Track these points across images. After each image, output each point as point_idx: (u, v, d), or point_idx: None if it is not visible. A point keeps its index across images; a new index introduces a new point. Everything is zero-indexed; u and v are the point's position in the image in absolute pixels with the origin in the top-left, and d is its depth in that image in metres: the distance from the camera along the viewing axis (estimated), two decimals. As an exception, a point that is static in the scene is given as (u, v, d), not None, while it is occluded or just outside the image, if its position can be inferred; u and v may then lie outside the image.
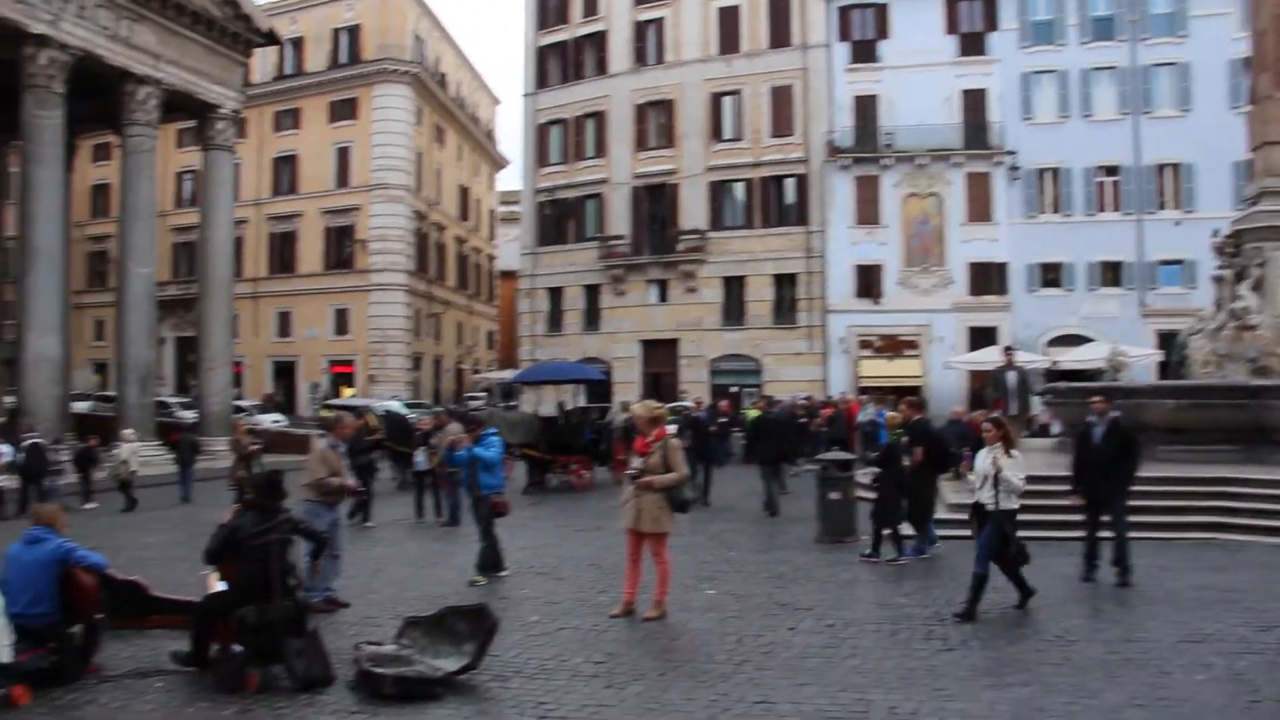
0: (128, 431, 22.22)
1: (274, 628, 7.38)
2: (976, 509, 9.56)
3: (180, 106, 32.66)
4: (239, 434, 21.89)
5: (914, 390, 37.09)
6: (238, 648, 7.47)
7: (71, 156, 33.09)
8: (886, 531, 12.62)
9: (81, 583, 7.65)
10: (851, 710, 6.69)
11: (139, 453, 21.51)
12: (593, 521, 16.88)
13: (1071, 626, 8.93)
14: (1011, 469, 9.34)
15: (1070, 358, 33.75)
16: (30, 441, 20.79)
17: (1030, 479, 9.75)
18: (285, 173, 55.36)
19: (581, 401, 28.50)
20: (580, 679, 7.46)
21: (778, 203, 42.88)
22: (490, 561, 11.51)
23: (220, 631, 7.62)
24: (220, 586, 7.94)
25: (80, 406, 38.12)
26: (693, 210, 43.68)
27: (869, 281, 40.87)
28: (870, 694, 7.03)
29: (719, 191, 43.64)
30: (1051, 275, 39.45)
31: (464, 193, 63.91)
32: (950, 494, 14.74)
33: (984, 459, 9.56)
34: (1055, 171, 39.71)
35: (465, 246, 64.09)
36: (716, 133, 43.83)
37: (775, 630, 8.90)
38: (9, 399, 30.03)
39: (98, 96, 29.95)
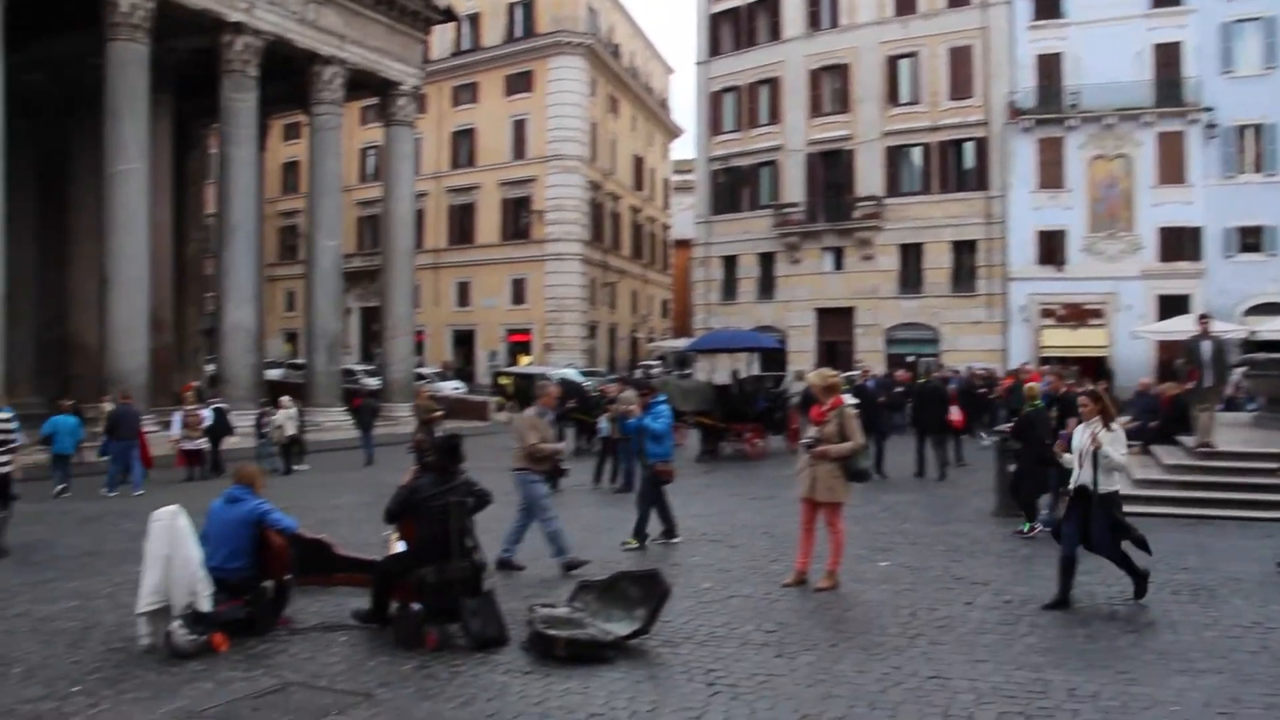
0: (284, 399, 23.34)
1: (451, 588, 7.57)
2: (1079, 493, 8.68)
3: (364, 85, 33.83)
4: (422, 400, 22.73)
5: (1099, 361, 35.73)
6: (417, 606, 7.71)
7: (264, 136, 34.75)
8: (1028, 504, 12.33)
9: (273, 543, 8.07)
10: (1028, 689, 6.46)
11: (295, 418, 22.56)
12: (766, 490, 16.87)
13: (1271, 613, 8.41)
14: (1111, 444, 8.60)
15: (1270, 327, 31.70)
16: (214, 406, 22.12)
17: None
18: (464, 146, 56.72)
19: (756, 370, 28.44)
20: (750, 647, 7.45)
21: (956, 167, 41.61)
22: (653, 527, 11.63)
23: (400, 590, 7.88)
24: (400, 547, 8.27)
25: (273, 374, 40.23)
26: (868, 176, 42.82)
27: (1052, 248, 39.28)
28: (1049, 674, 6.78)
29: (895, 157, 42.61)
30: (1251, 240, 37.02)
31: (638, 162, 64.25)
32: (1138, 469, 14.19)
33: (1082, 435, 8.82)
34: (1257, 128, 37.16)
35: (640, 216, 64.52)
36: (893, 96, 42.72)
37: (950, 604, 8.70)
38: (209, 366, 31.84)
39: (288, 78, 31.34)
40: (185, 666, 6.98)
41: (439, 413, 21.23)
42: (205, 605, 7.37)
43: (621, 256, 60.43)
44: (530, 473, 10.46)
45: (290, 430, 22.18)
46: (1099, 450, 8.48)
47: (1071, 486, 8.76)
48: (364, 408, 24.70)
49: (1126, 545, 8.67)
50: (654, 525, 11.66)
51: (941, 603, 8.79)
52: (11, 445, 12.36)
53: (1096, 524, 8.53)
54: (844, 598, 9.06)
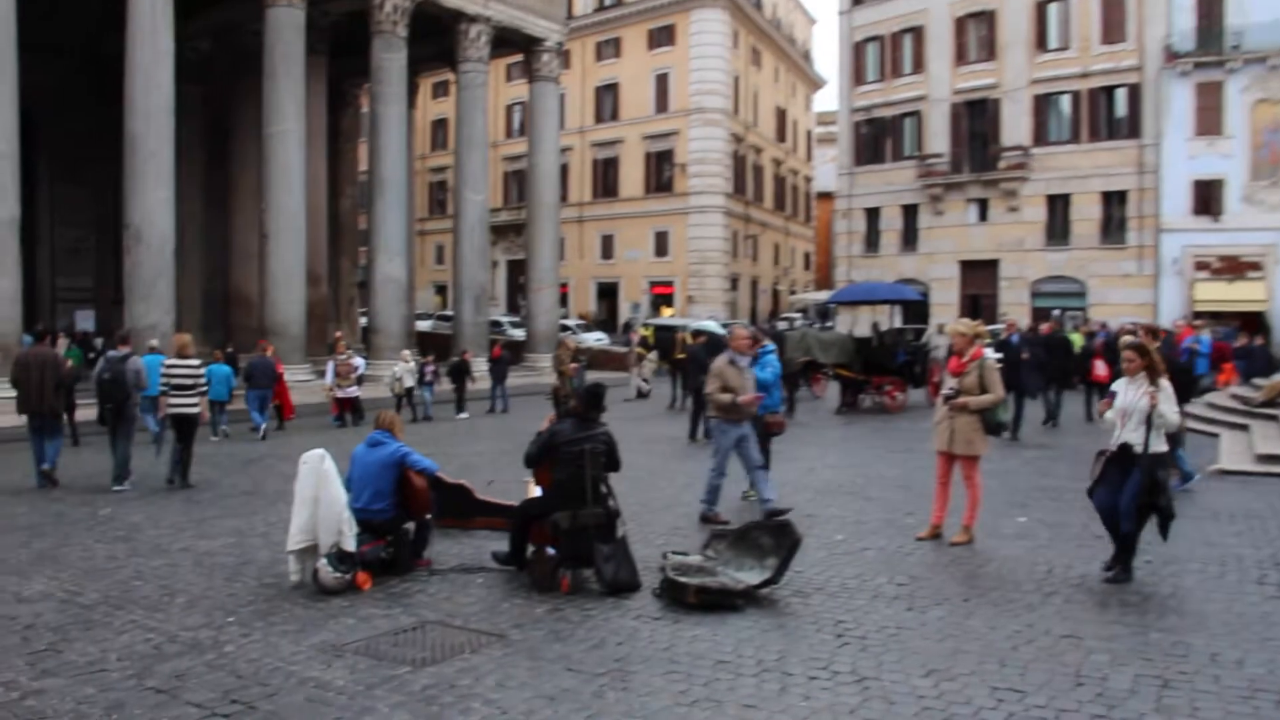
0: (405, 352, 24.29)
1: (585, 533, 7.71)
2: (1122, 452, 7.93)
3: (509, 42, 34.19)
4: (562, 351, 23.23)
5: (1256, 317, 33.96)
6: (552, 550, 7.90)
7: (413, 95, 35.58)
8: None
9: (415, 485, 8.35)
10: (1168, 653, 6.23)
11: (413, 371, 23.38)
12: (904, 443, 16.72)
13: None
14: (1166, 402, 7.83)
15: None
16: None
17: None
18: (607, 100, 56.93)
19: (897, 323, 28.04)
20: (882, 600, 7.42)
21: (1107, 115, 39.86)
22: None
23: (537, 534, 8.09)
24: (537, 492, 8.50)
25: (422, 325, 41.37)
26: (1015, 125, 41.42)
27: (1207, 197, 37.33)
28: (1189, 637, 6.54)
29: (1043, 105, 41.06)
30: None
31: (781, 114, 63.48)
32: (1259, 443, 13.68)
33: (1131, 392, 8.00)
34: None
35: (782, 168, 63.86)
36: (1041, 43, 41.13)
37: (1088, 563, 8.45)
38: (363, 317, 32.93)
39: (435, 38, 31.97)
40: (330, 602, 7.35)
41: (576, 365, 21.83)
42: (350, 545, 7.69)
43: (764, 209, 59.98)
44: (724, 421, 10.27)
45: (409, 382, 22.92)
46: (1155, 408, 7.79)
47: (1113, 445, 8.06)
48: (501, 359, 25.26)
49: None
50: (792, 470, 11.69)
51: (1079, 560, 8.58)
52: (201, 389, 13.41)
53: (1132, 485, 7.82)
54: (978, 553, 8.95)
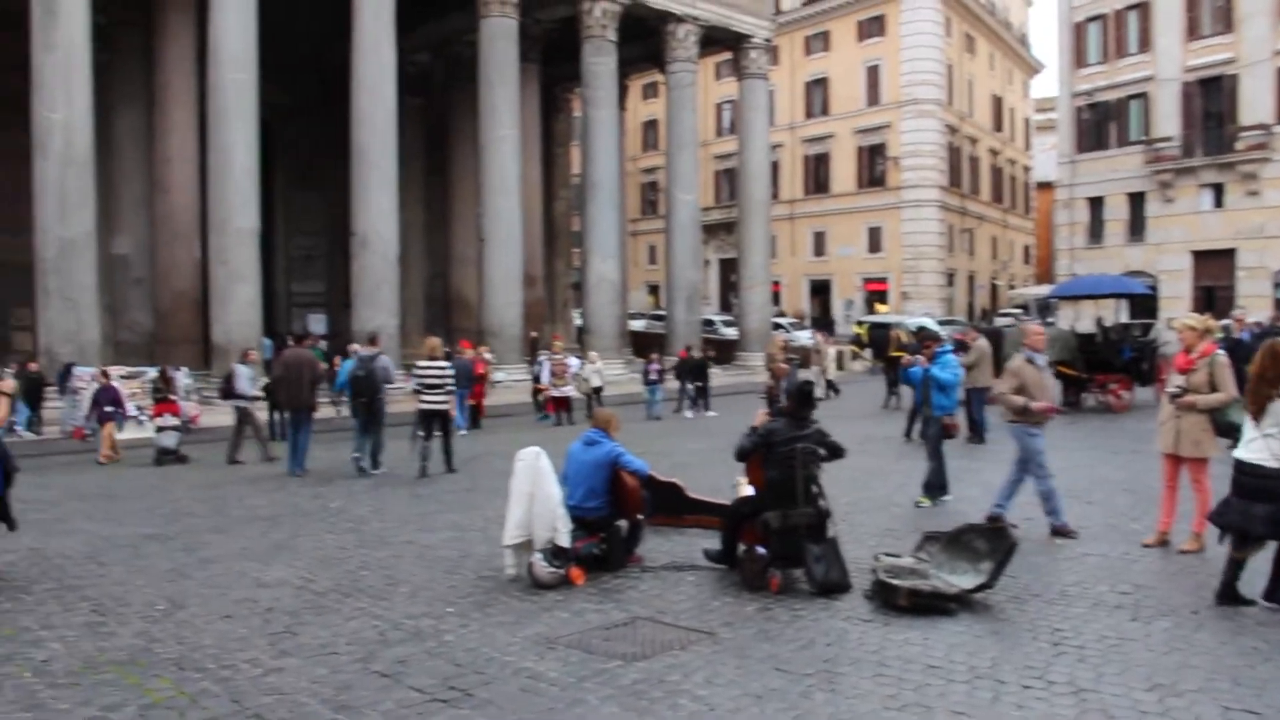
0: (593, 354, 24.46)
1: (796, 533, 7.62)
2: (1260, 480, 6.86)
3: (716, 40, 34.31)
4: (773, 349, 23.10)
5: None
6: (762, 550, 7.83)
7: (623, 97, 36.19)
8: None
9: (627, 484, 8.44)
10: None
11: (602, 371, 23.60)
12: (1130, 444, 15.85)
13: None
14: None
15: None
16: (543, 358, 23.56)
17: None
18: (817, 95, 56.39)
19: (1123, 318, 26.66)
20: (1103, 609, 7.03)
21: (1363, 85, 36.75)
22: (937, 483, 11.08)
23: (748, 533, 8.02)
24: (749, 491, 8.44)
25: (635, 324, 41.93)
26: (1256, 102, 38.43)
27: None
28: None
29: (1290, 78, 38.18)
30: None
31: (996, 102, 61.42)
32: None
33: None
34: None
35: (999, 158, 61.77)
36: (1287, 9, 38.25)
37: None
38: (577, 318, 33.65)
39: (644, 40, 32.42)
40: (545, 596, 7.49)
41: (786, 365, 21.64)
42: (564, 541, 7.82)
43: (980, 201, 58.15)
44: (1024, 425, 9.54)
45: (596, 382, 23.05)
46: None
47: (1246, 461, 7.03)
48: (687, 361, 25.02)
49: None
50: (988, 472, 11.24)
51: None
52: (449, 388, 14.40)
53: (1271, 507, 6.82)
54: (1209, 561, 8.25)
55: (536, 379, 23.38)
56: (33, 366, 20.63)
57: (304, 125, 32.94)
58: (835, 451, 8.02)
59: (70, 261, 21.05)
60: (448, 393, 14.31)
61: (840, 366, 29.09)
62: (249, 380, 16.94)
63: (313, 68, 31.70)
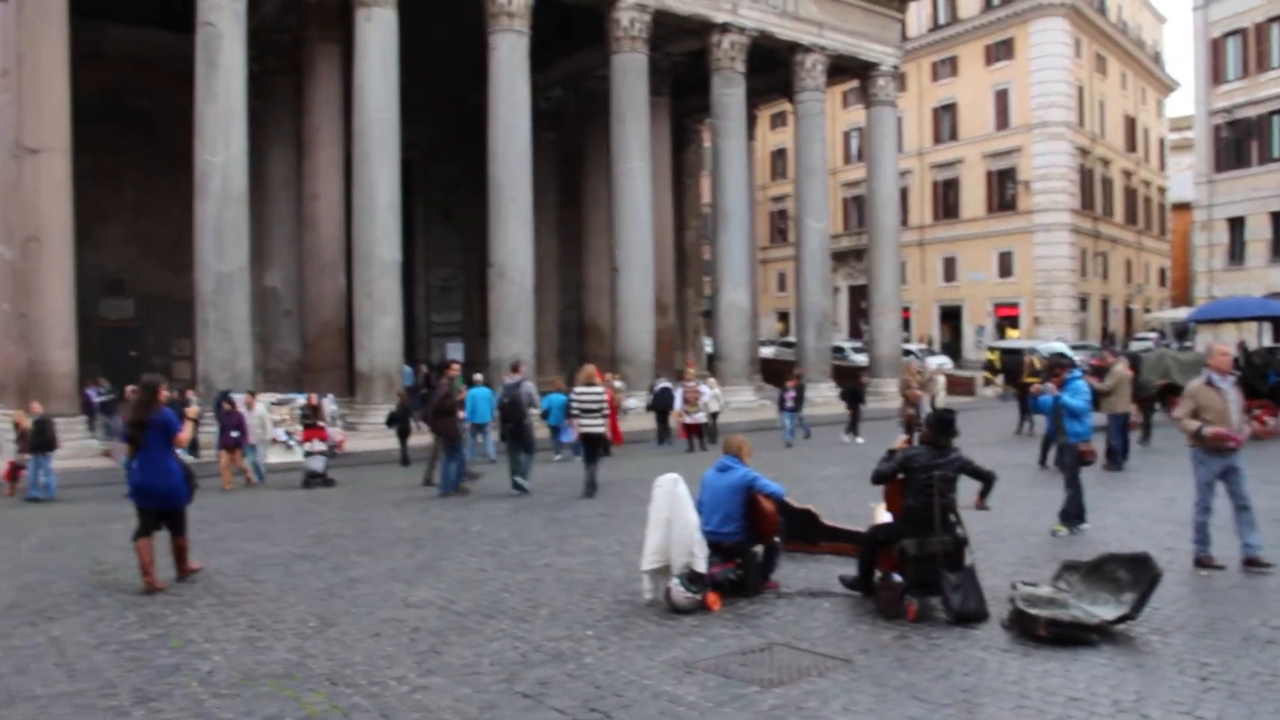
0: (711, 380, 24.52)
1: (932, 560, 7.55)
2: None
3: (843, 69, 34.26)
4: (908, 376, 22.87)
5: None
6: (898, 577, 7.76)
7: (752, 127, 36.39)
8: None
9: (763, 508, 8.43)
10: None
11: (719, 398, 23.53)
12: (1277, 473, 15.24)
13: None
14: None
15: None
16: (661, 386, 23.65)
17: None
18: (945, 120, 55.68)
19: (1267, 342, 25.61)
20: (1254, 644, 6.77)
21: None
22: (1074, 511, 10.78)
23: (884, 560, 7.96)
24: (885, 518, 8.41)
25: (765, 351, 41.88)
26: None
27: None
28: None
29: None
30: None
31: (1129, 123, 59.70)
32: None
33: None
34: None
35: (1133, 179, 59.97)
36: None
37: None
38: (707, 345, 33.82)
39: (771, 70, 32.63)
40: (681, 621, 7.56)
41: (918, 392, 21.39)
42: (701, 566, 7.88)
43: (1113, 224, 56.52)
44: (1200, 450, 9.02)
45: (714, 408, 23.04)
46: None
47: None
48: (800, 387, 24.67)
49: None
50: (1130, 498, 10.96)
51: None
52: (605, 412, 15.36)
53: None
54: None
55: (649, 406, 23.70)
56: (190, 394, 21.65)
57: (442, 162, 33.97)
58: (984, 478, 7.96)
59: (226, 294, 22.11)
60: (604, 416, 15.17)
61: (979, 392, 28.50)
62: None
63: (450, 107, 32.65)
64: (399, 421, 20.80)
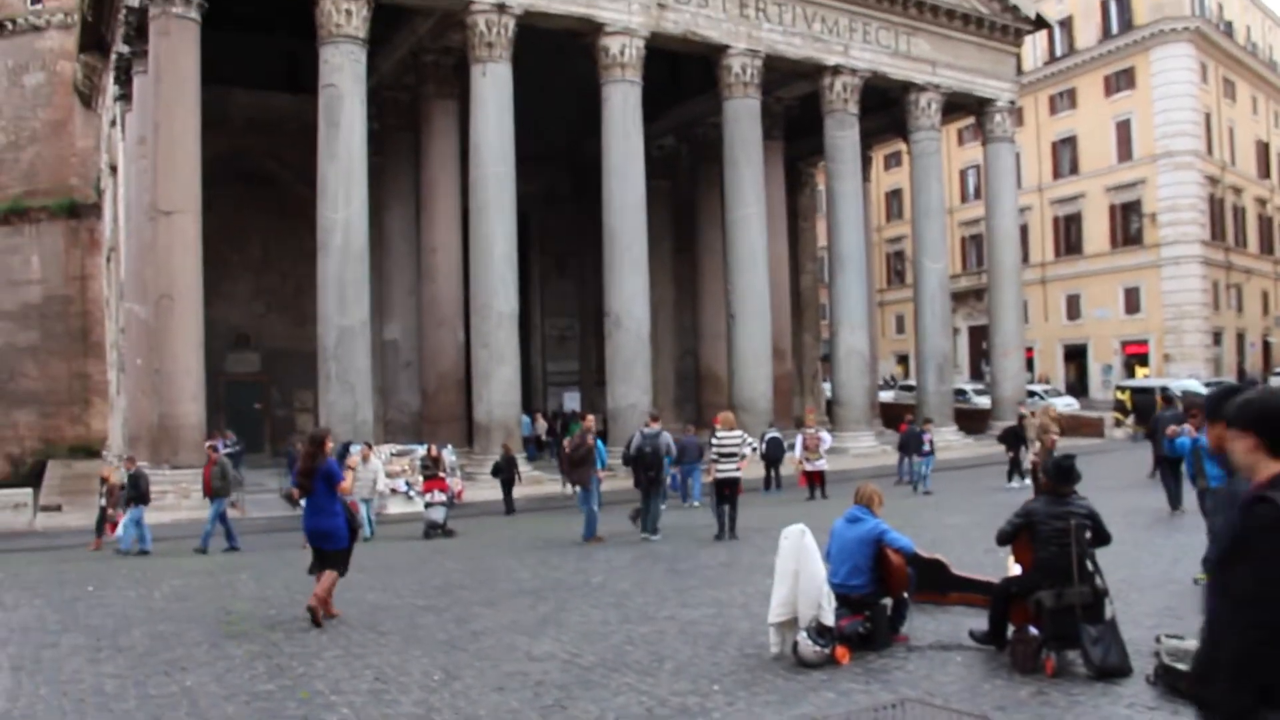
0: (811, 417, 24.29)
1: (1071, 613, 7.25)
2: None
3: (958, 106, 33.87)
4: (1043, 418, 22.13)
5: None
6: (1034, 630, 7.48)
7: (867, 168, 36.16)
8: None
9: (892, 561, 8.26)
10: None
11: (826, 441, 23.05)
12: None
13: None
14: None
15: None
16: (770, 436, 23.48)
17: None
18: (1065, 154, 54.45)
19: None
20: None
21: None
22: None
23: (1018, 613, 7.68)
24: (1016, 570, 8.13)
25: (885, 395, 41.29)
26: None
27: None
28: None
29: None
30: None
31: (1263, 148, 57.51)
32: None
33: None
34: None
35: (1268, 207, 57.68)
36: None
37: None
38: (826, 390, 33.47)
39: (885, 110, 32.42)
40: (810, 675, 7.38)
41: (1053, 433, 20.69)
42: (829, 619, 7.71)
43: (1248, 254, 54.37)
44: None
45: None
46: None
47: None
48: (909, 434, 23.68)
49: None
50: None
51: None
52: (741, 455, 15.71)
53: None
54: None
55: (761, 455, 23.20)
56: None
57: (557, 212, 34.49)
58: (1102, 537, 7.64)
59: (348, 348, 22.65)
60: (741, 458, 15.57)
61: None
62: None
63: (564, 158, 33.18)
64: (503, 472, 20.97)
